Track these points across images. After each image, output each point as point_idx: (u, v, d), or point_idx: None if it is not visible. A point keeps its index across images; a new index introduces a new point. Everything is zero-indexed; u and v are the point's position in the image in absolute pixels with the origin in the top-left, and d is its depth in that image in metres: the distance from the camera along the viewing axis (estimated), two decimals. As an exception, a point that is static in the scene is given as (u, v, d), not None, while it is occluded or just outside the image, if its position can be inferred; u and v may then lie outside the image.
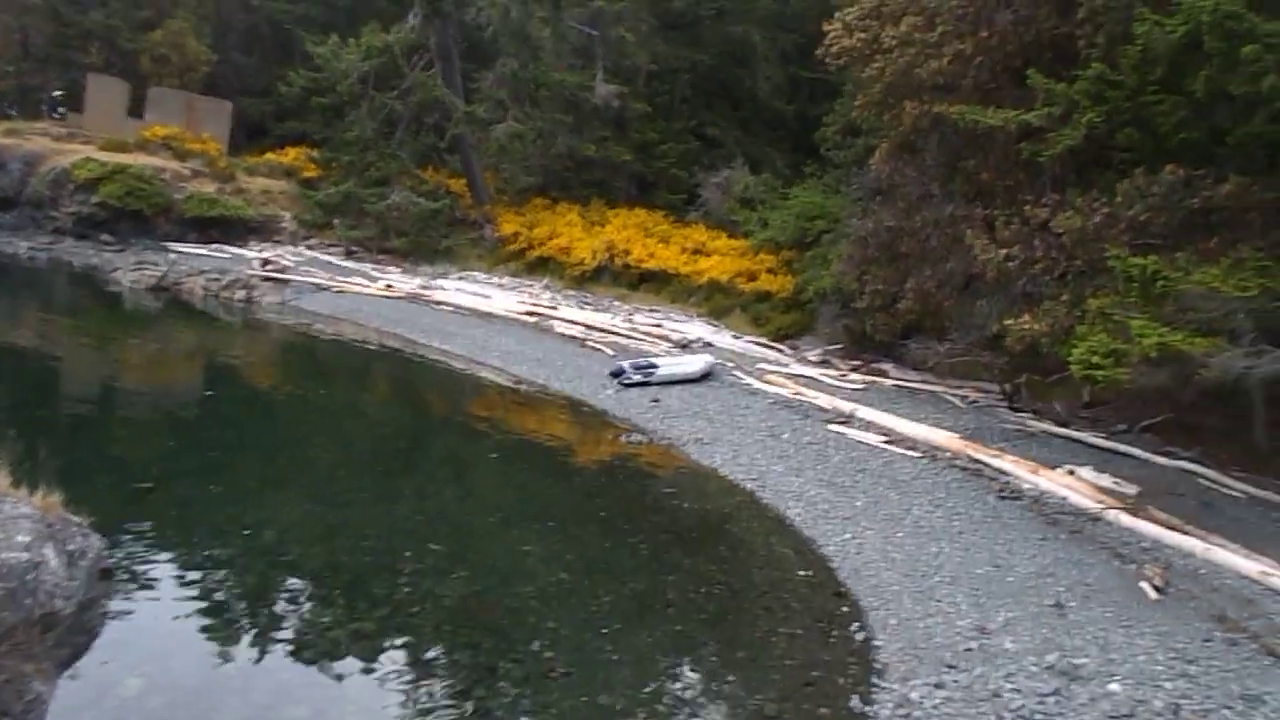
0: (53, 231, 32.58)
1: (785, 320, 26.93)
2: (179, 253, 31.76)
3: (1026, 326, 15.94)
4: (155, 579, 9.16)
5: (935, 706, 8.10)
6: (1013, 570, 11.40)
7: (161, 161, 35.28)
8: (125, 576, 8.82)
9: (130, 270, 28.89)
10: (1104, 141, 16.41)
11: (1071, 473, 15.13)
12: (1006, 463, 15.80)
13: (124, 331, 23.15)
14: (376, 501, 12.43)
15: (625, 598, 10.20)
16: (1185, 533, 12.78)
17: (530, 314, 27.76)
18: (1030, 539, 12.62)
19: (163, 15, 43.16)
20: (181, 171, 35.34)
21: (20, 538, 6.01)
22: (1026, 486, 14.97)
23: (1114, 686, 8.40)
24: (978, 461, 16.10)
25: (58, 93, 42.81)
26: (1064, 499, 14.30)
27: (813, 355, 24.62)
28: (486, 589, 9.98)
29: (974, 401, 20.43)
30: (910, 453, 16.66)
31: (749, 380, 21.64)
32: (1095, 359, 12.68)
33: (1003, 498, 14.54)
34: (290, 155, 40.15)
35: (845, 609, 10.41)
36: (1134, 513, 13.52)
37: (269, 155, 40.60)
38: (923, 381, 21.80)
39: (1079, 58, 16.79)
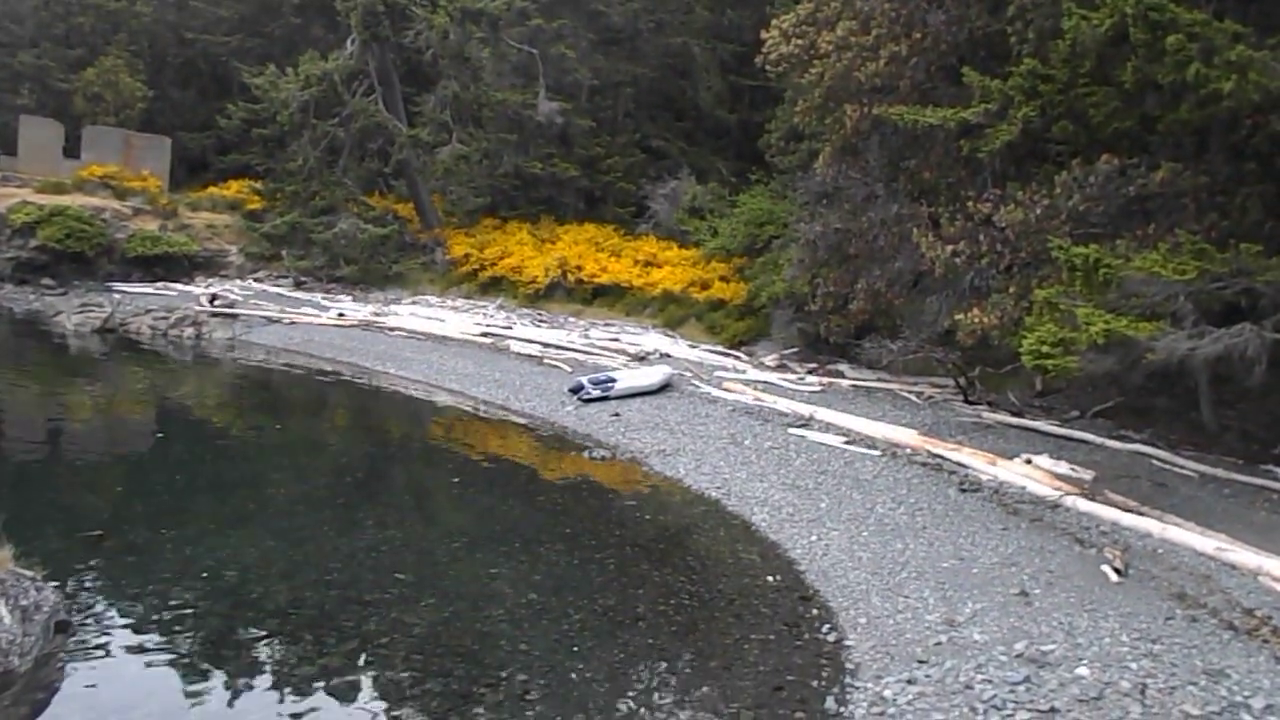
0: (-10, 278, 31.91)
1: (740, 327, 27.09)
2: (124, 293, 31.25)
3: (976, 320, 16.20)
4: (114, 629, 8.96)
5: (909, 702, 8.14)
6: (977, 561, 11.53)
7: (101, 201, 34.73)
8: (83, 629, 8.62)
9: (74, 313, 28.33)
10: (1040, 135, 16.76)
11: (1028, 461, 15.37)
12: (965, 455, 16.01)
13: (69, 376, 22.71)
14: (338, 534, 12.28)
15: (595, 614, 10.17)
16: (1141, 514, 13.03)
17: (485, 335, 27.65)
18: (992, 529, 12.78)
19: (95, 53, 42.53)
20: (122, 210, 34.81)
21: (-29, 596, 5.87)
22: (986, 478, 15.16)
23: (1082, 670, 8.51)
24: (937, 456, 16.29)
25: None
26: (1023, 488, 14.51)
27: (769, 360, 24.78)
28: (455, 615, 9.89)
29: (930, 397, 20.68)
30: (871, 451, 16.82)
31: (708, 389, 21.73)
32: (1045, 348, 12.89)
33: (963, 490, 14.71)
34: (233, 189, 39.70)
35: (815, 611, 10.45)
36: (1091, 497, 13.77)
37: (211, 189, 40.12)
38: (879, 380, 22.05)
39: (1011, 54, 17.17)
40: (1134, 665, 8.62)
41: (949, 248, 17.27)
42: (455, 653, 9.04)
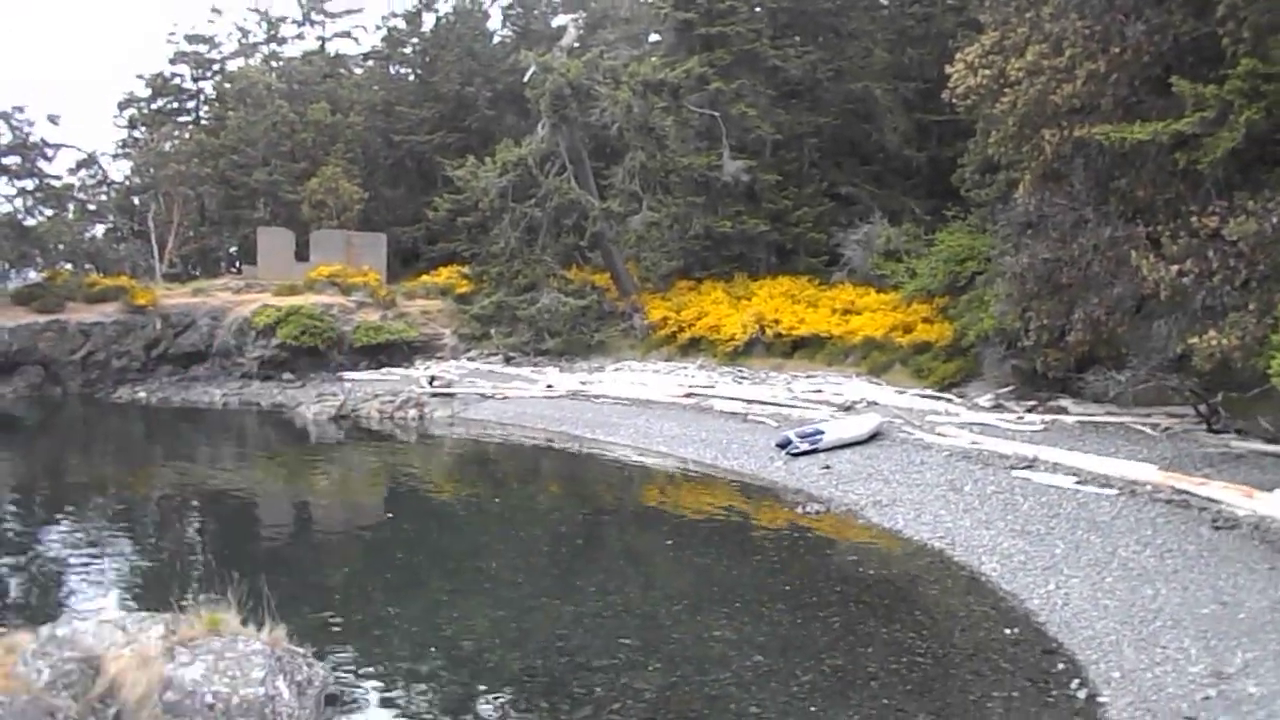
0: (241, 377, 35.17)
1: (949, 369, 26.14)
2: (353, 380, 33.63)
3: (1214, 342, 14.98)
4: (369, 699, 9.49)
5: (1179, 764, 7.49)
6: (1243, 606, 10.52)
7: (329, 298, 37.72)
8: (345, 701, 9.18)
9: (312, 403, 30.75)
10: (1268, 138, 15.52)
11: (1293, 493, 13.96)
12: (1215, 490, 14.71)
13: (311, 462, 24.52)
14: (562, 600, 12.59)
15: (824, 675, 9.92)
16: None
17: (689, 396, 27.91)
18: (1258, 570, 11.64)
19: (317, 164, 46.58)
20: (347, 305, 37.66)
21: (255, 673, 6.41)
22: (1243, 513, 13.85)
23: (1384, 726, 7.59)
24: (1182, 492, 15.06)
25: (233, 249, 46.68)
26: (1288, 522, 13.17)
27: (983, 401, 23.75)
28: (683, 678, 9.89)
29: (1167, 429, 19.18)
30: (1106, 491, 15.76)
31: (920, 435, 21.03)
32: (1298, 367, 11.78)
33: (1217, 528, 13.51)
34: (443, 275, 42.27)
35: (1061, 665, 9.81)
36: (1373, 529, 12.35)
37: (424, 278, 42.85)
38: (1107, 414, 20.68)
39: (1225, 57, 16.02)
40: None
41: (1174, 268, 16.09)
42: (685, 717, 9.04)
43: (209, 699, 6.27)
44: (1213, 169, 16.25)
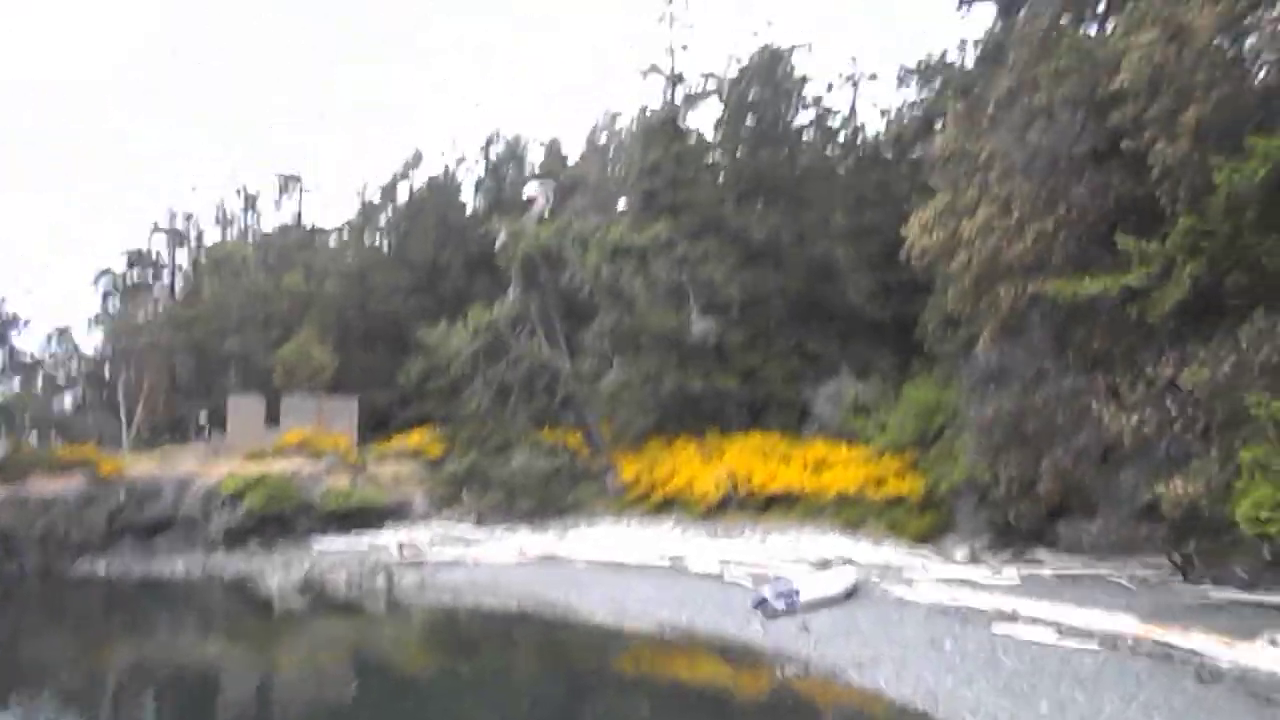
0: (205, 546, 34.27)
1: (923, 523, 26.06)
2: (321, 548, 32.89)
3: (1180, 491, 15.13)
4: None
5: None
6: (1233, 763, 10.23)
7: (298, 464, 37.31)
8: None
9: (278, 572, 29.99)
10: (1212, 290, 16.09)
11: (1274, 642, 13.78)
12: (1197, 641, 14.51)
13: (274, 636, 23.73)
14: (536, 777, 12.04)
15: None
16: None
17: (662, 556, 27.51)
18: (1244, 725, 11.38)
19: (290, 331, 46.96)
20: (316, 470, 37.23)
21: None
22: (1225, 665, 13.63)
23: None
24: (1163, 644, 14.82)
25: (204, 416, 46.42)
26: (1272, 673, 12.94)
27: (959, 555, 23.59)
28: None
29: (1143, 579, 19.08)
30: (1087, 645, 15.48)
31: (898, 591, 20.76)
32: (1263, 514, 11.88)
33: (1202, 681, 13.24)
34: (415, 437, 42.03)
35: (1053, 833, 9.41)
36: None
37: (396, 440, 42.57)
38: (1083, 566, 20.60)
39: (1164, 215, 16.79)
40: None
41: (1134, 417, 16.41)
42: None
43: None
44: (1163, 321, 16.77)
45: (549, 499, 35.79)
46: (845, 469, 30.10)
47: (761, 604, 20.57)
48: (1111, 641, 15.46)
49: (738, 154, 42.80)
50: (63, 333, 50.68)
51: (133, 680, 19.01)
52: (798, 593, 20.68)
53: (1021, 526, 21.85)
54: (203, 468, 37.10)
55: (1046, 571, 20.82)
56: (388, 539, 33.65)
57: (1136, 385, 16.93)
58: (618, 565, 27.47)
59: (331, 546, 33.19)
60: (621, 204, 47.48)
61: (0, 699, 17.26)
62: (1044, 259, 19.34)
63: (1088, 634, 15.97)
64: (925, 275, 27.62)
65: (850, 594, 20.93)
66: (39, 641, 23.44)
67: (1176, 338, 17.07)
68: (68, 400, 52.40)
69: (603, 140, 56.67)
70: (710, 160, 43.45)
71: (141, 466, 37.15)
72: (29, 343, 49.82)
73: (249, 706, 17.84)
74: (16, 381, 41.38)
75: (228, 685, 19.34)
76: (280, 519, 34.66)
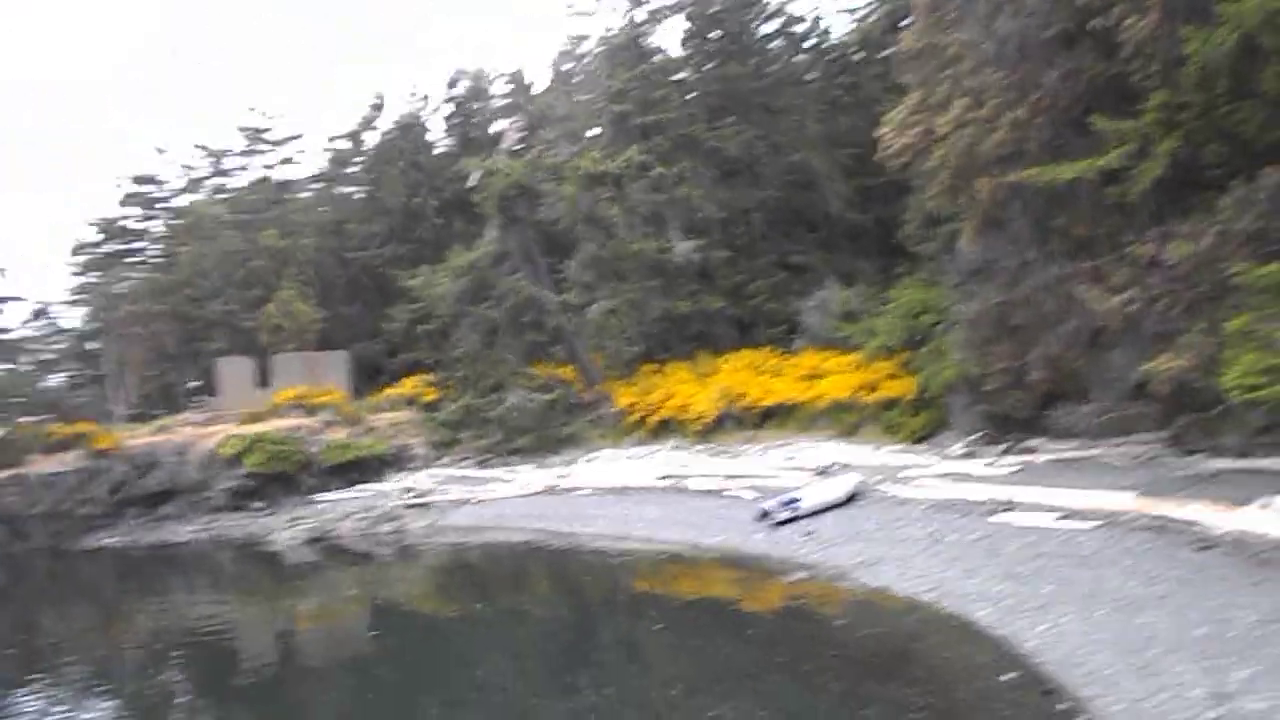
0: (210, 510, 34.39)
1: (918, 422, 26.28)
2: (326, 501, 33.09)
3: (1168, 366, 15.24)
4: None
5: (1192, 790, 7.36)
6: (1234, 624, 10.48)
7: (294, 421, 37.27)
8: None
9: (285, 530, 30.17)
10: (1191, 163, 16.02)
11: (1267, 505, 14.03)
12: (1193, 511, 14.79)
13: (287, 590, 23.98)
14: (556, 700, 12.31)
15: (828, 743, 9.72)
16: None
17: (663, 479, 27.77)
18: (1243, 586, 11.65)
19: (271, 289, 46.58)
20: (314, 425, 37.21)
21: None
22: (1221, 531, 13.91)
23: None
24: (1161, 517, 15.11)
25: (193, 383, 46.28)
26: (1265, 535, 13.21)
27: (955, 450, 23.83)
28: (685, 764, 9.64)
29: (1138, 456, 19.31)
30: (1086, 525, 15.78)
31: (897, 491, 21.03)
32: (1251, 379, 11.98)
33: (1200, 549, 13.53)
34: (408, 386, 41.99)
35: (1062, 705, 9.68)
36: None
37: (388, 391, 42.53)
38: (1078, 449, 20.80)
39: (1138, 92, 16.62)
40: None
41: (1119, 298, 16.45)
42: (692, 803, 8.78)
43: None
44: (1143, 199, 16.73)
45: (547, 433, 35.93)
46: (837, 377, 30.23)
47: (764, 515, 20.84)
48: (1110, 520, 15.75)
49: (705, 70, 42.09)
50: (43, 310, 50.19)
51: (153, 643, 19.22)
52: (799, 501, 20.94)
53: (1015, 417, 22.06)
54: (199, 434, 37.03)
55: (1042, 459, 21.07)
56: (391, 487, 33.81)
57: (1120, 266, 16.96)
58: (620, 491, 27.72)
59: (336, 499, 33.37)
60: (593, 132, 46.81)
61: (25, 669, 17.54)
62: (1020, 148, 19.18)
63: (1086, 515, 16.26)
64: (903, 176, 27.39)
65: (851, 498, 21.21)
66: (56, 613, 23.70)
67: (1157, 215, 17.04)
68: (57, 379, 52.11)
69: (568, 68, 55.63)
70: (679, 79, 42.72)
71: (138, 438, 37.07)
72: (10, 324, 49.33)
73: (270, 660, 18.09)
74: (2, 366, 41.09)
75: (247, 641, 19.60)
76: (282, 477, 34.76)
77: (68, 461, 34.65)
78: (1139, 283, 16.33)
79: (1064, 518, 16.39)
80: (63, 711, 14.33)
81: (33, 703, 14.80)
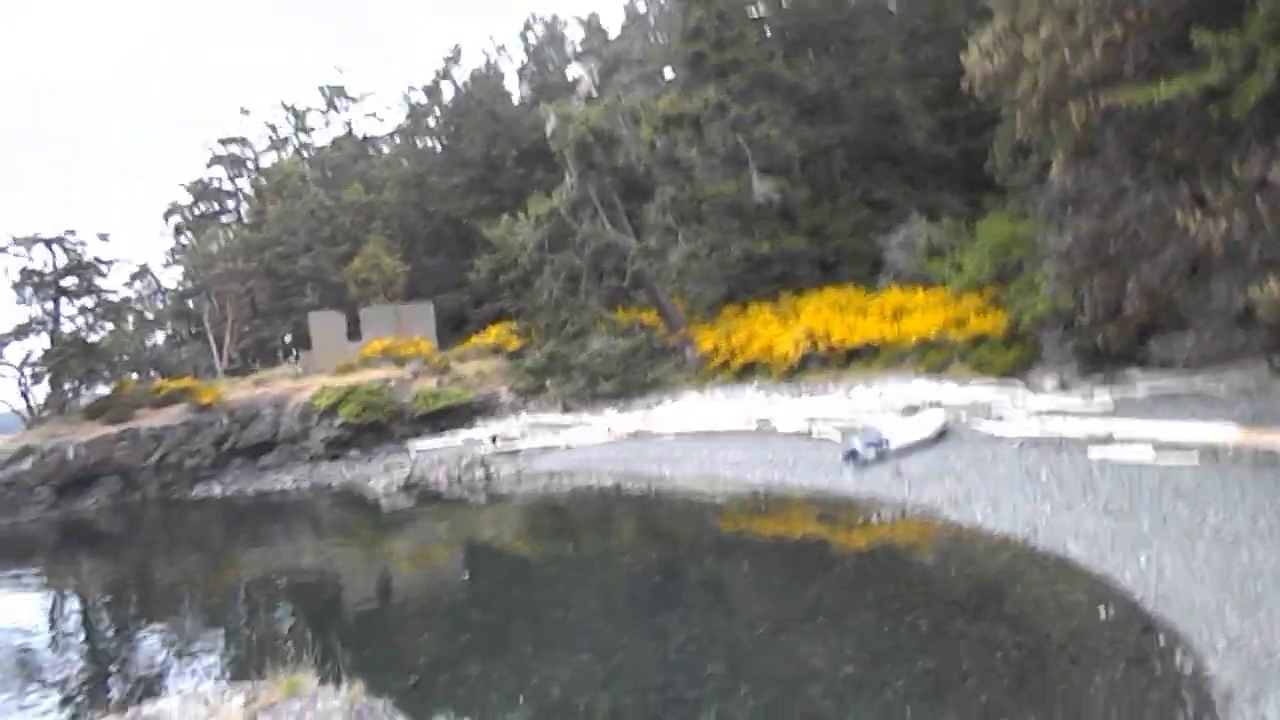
0: (309, 460, 35.71)
1: (1008, 358, 25.70)
2: (418, 449, 33.97)
3: (1276, 292, 14.54)
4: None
5: (1300, 725, 7.17)
6: (1345, 557, 10.11)
7: (385, 372, 38.28)
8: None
9: (380, 477, 31.12)
10: (1300, 77, 15.10)
11: (1382, 435, 13.42)
12: (1301, 442, 14.22)
13: (385, 534, 24.74)
14: (645, 639, 12.50)
15: (917, 679, 9.70)
16: None
17: (749, 420, 27.74)
18: (1355, 518, 11.20)
19: (358, 244, 47.58)
20: (404, 376, 38.17)
21: (336, 730, 6.44)
22: (1332, 462, 13.37)
23: None
24: (1265, 449, 14.56)
25: (288, 337, 47.70)
26: (1382, 465, 12.65)
27: (1049, 385, 23.28)
28: (775, 700, 9.73)
29: (1241, 387, 18.62)
30: (1186, 459, 15.31)
31: (988, 428, 20.65)
32: (1367, 304, 11.37)
33: (1308, 481, 13.04)
34: (492, 334, 42.72)
35: (1162, 641, 9.48)
36: None
37: (474, 339, 43.32)
38: (1177, 381, 20.14)
39: (1244, 4, 15.70)
40: None
41: (1222, 223, 15.71)
42: (782, 738, 8.88)
43: (296, 763, 6.33)
44: (1248, 117, 15.86)
45: (631, 378, 36.18)
46: (924, 314, 29.71)
47: (852, 455, 20.71)
48: (1211, 453, 15.25)
49: (782, 4, 41.13)
50: (143, 270, 52.09)
51: (261, 586, 20.11)
52: (887, 440, 20.74)
53: (1111, 350, 21.39)
54: (295, 386, 38.30)
55: (1140, 392, 20.45)
56: (480, 434, 34.55)
57: (1223, 190, 16.15)
58: (706, 434, 27.81)
59: (428, 447, 34.23)
60: (668, 73, 46.27)
61: (145, 611, 18.55)
62: (1115, 70, 18.30)
63: (1186, 448, 15.76)
64: (990, 106, 26.49)
65: (940, 436, 20.93)
66: (170, 559, 24.88)
67: (1264, 134, 16.14)
68: (159, 337, 54.23)
69: (642, 10, 54.96)
70: (755, 14, 41.85)
71: (238, 392, 38.51)
72: (112, 285, 51.39)
73: (370, 601, 18.77)
74: (108, 326, 42.81)
75: (348, 584, 20.34)
76: (376, 426, 35.82)
77: (174, 416, 36.21)
78: (1243, 207, 15.55)
79: (1163, 451, 15.91)
80: (180, 648, 15.16)
81: (153, 641, 15.66)
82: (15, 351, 39.52)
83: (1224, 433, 15.64)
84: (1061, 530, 13.62)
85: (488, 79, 54.84)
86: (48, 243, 38.71)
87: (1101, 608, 10.69)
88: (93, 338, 40.49)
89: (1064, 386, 22.71)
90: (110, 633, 17.40)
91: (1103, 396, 20.78)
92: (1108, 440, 17.36)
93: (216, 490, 34.40)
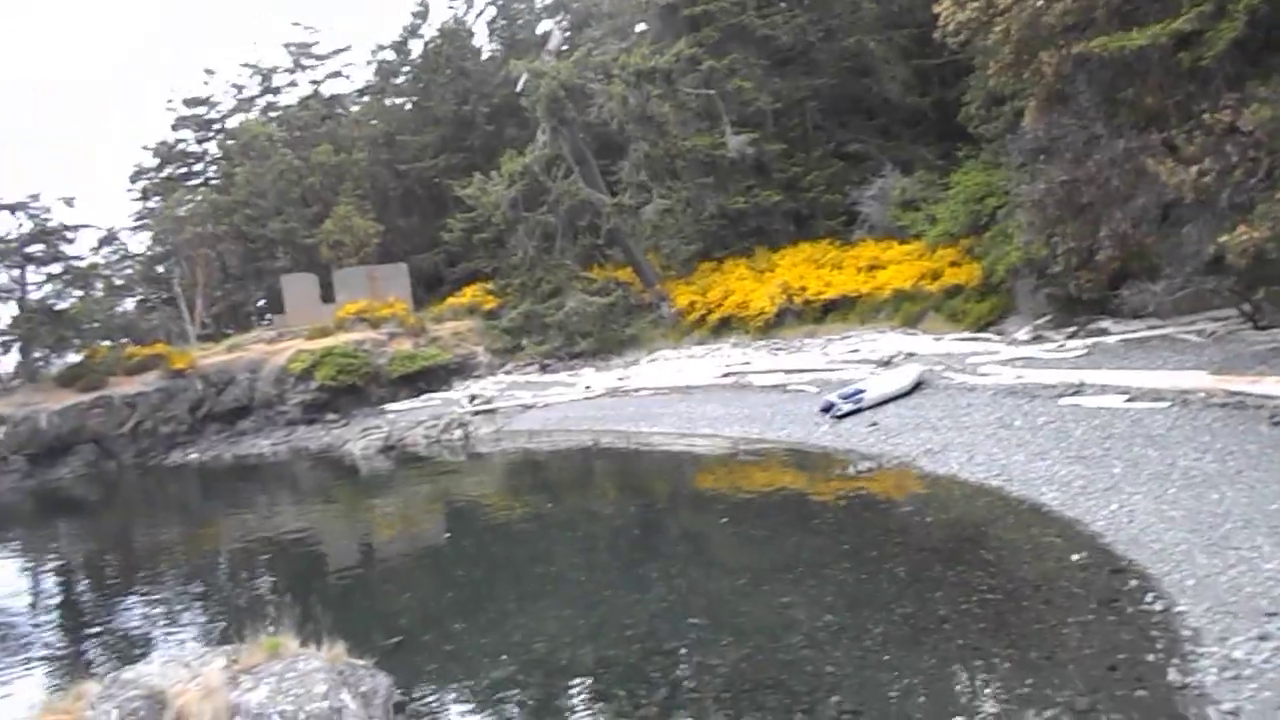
0: (286, 424, 35.51)
1: (983, 308, 25.88)
2: (395, 411, 33.88)
3: (1246, 237, 14.65)
4: (444, 707, 9.56)
5: (1266, 660, 7.33)
6: (1312, 496, 10.31)
7: (360, 334, 38.00)
8: (417, 710, 9.23)
9: (358, 439, 31.04)
10: (1271, 22, 15.14)
11: (1348, 377, 13.64)
12: (1268, 386, 14.43)
13: (364, 495, 24.75)
14: (627, 592, 12.62)
15: (895, 624, 9.85)
16: None
17: (726, 376, 27.84)
18: (1322, 459, 11.41)
19: (329, 205, 46.98)
20: (379, 338, 37.92)
21: (318, 689, 6.49)
22: (1300, 405, 13.58)
23: None
24: (1236, 394, 14.78)
25: (261, 301, 47.22)
26: (1347, 407, 12.87)
27: (1022, 335, 23.48)
28: (755, 649, 9.86)
29: (1212, 333, 18.86)
30: (1158, 405, 15.52)
31: (963, 378, 20.83)
32: (1334, 247, 11.49)
33: (1276, 424, 13.23)
34: (468, 294, 42.46)
35: (1133, 582, 9.67)
36: None
37: (450, 300, 43.06)
38: (1149, 328, 20.36)
39: (1215, -53, 15.66)
40: None
41: (1194, 169, 15.77)
42: (764, 685, 9.00)
43: (276, 719, 6.37)
44: (1219, 63, 15.93)
45: (607, 336, 36.18)
46: (899, 267, 29.82)
47: (829, 408, 20.85)
48: (1182, 399, 15.46)
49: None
50: (111, 236, 51.22)
51: (241, 549, 20.10)
52: (863, 392, 20.89)
53: (1083, 298, 21.54)
54: (269, 350, 37.97)
55: (1112, 339, 20.67)
56: (458, 394, 34.47)
57: (1194, 136, 16.21)
58: (683, 390, 27.88)
59: (405, 408, 34.14)
60: (640, 27, 45.72)
61: (124, 577, 18.53)
62: (1087, 17, 18.26)
63: (1158, 394, 15.98)
64: (963, 55, 26.44)
65: (916, 387, 21.08)
66: (148, 525, 24.81)
67: (1234, 80, 16.21)
68: (129, 303, 53.49)
69: (612, -39, 54.11)
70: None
71: (211, 357, 38.15)
72: (79, 251, 50.62)
73: (352, 562, 18.81)
74: (77, 293, 42.14)
75: (329, 545, 20.36)
76: (352, 389, 35.62)
77: (148, 382, 35.85)
78: (1214, 152, 15.62)
79: (1135, 398, 16.12)
80: (160, 613, 15.16)
81: (133, 607, 15.66)
82: (-18, 320, 38.90)
83: (1194, 379, 15.85)
84: (1035, 477, 13.82)
85: (456, 34, 53.95)
86: (11, 209, 37.93)
87: (1075, 552, 10.86)
88: (61, 305, 39.85)
89: (1038, 336, 22.90)
90: (90, 600, 17.39)
91: (1076, 345, 20.97)
92: (1080, 388, 17.57)
93: (194, 456, 34.21)
